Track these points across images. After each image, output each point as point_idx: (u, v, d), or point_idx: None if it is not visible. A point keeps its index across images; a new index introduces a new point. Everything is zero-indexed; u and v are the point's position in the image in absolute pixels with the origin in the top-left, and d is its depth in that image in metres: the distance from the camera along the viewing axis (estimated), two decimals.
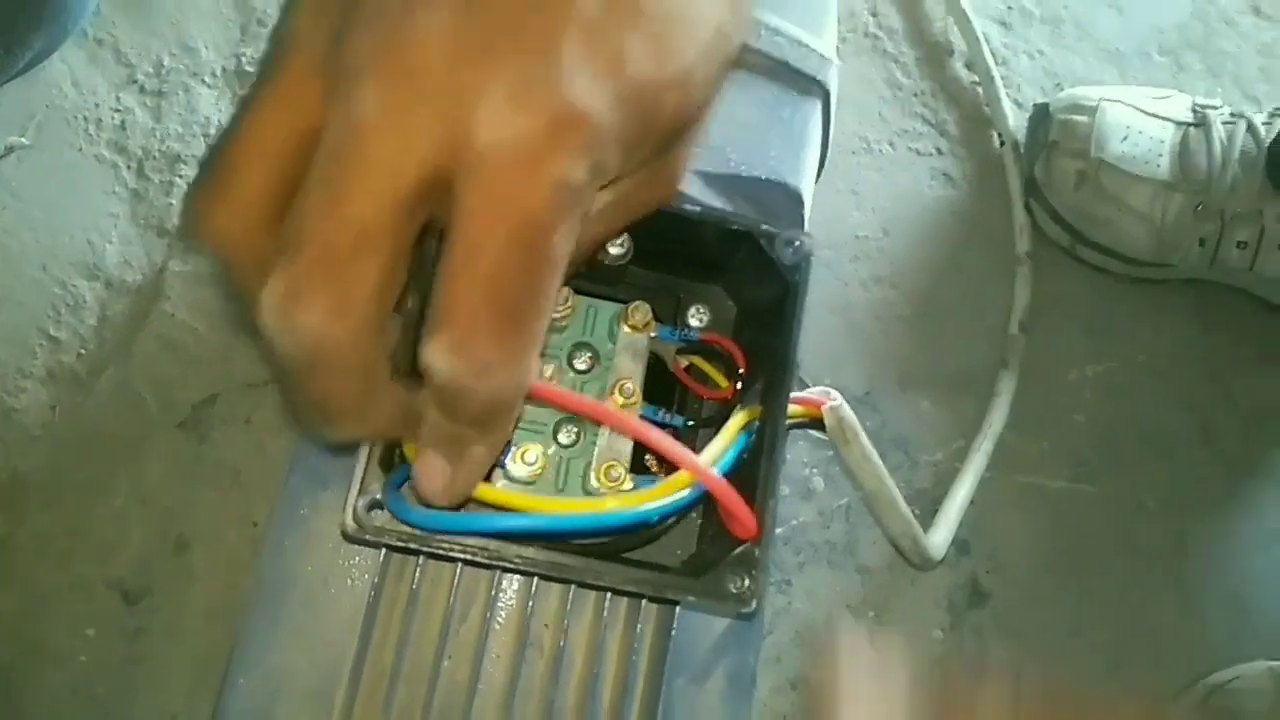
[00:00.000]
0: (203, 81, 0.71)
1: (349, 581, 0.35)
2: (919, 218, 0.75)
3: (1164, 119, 0.71)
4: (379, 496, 0.31)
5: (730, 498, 0.31)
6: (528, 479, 0.34)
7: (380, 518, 0.31)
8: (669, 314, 0.37)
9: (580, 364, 0.36)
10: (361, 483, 0.31)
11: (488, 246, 0.24)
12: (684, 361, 0.37)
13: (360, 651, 0.34)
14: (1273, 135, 0.68)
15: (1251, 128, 0.69)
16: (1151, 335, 0.74)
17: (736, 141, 0.39)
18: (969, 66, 0.79)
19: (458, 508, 0.31)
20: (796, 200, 0.41)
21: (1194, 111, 0.71)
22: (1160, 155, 0.70)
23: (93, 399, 0.65)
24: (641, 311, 0.36)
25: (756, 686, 0.37)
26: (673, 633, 0.35)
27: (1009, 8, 0.81)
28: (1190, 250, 0.70)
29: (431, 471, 0.29)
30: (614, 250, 0.34)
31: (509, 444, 0.34)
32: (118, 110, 0.70)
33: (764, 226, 0.34)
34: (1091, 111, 0.71)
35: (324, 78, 0.25)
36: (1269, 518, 0.71)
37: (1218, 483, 0.71)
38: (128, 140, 0.70)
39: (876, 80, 0.78)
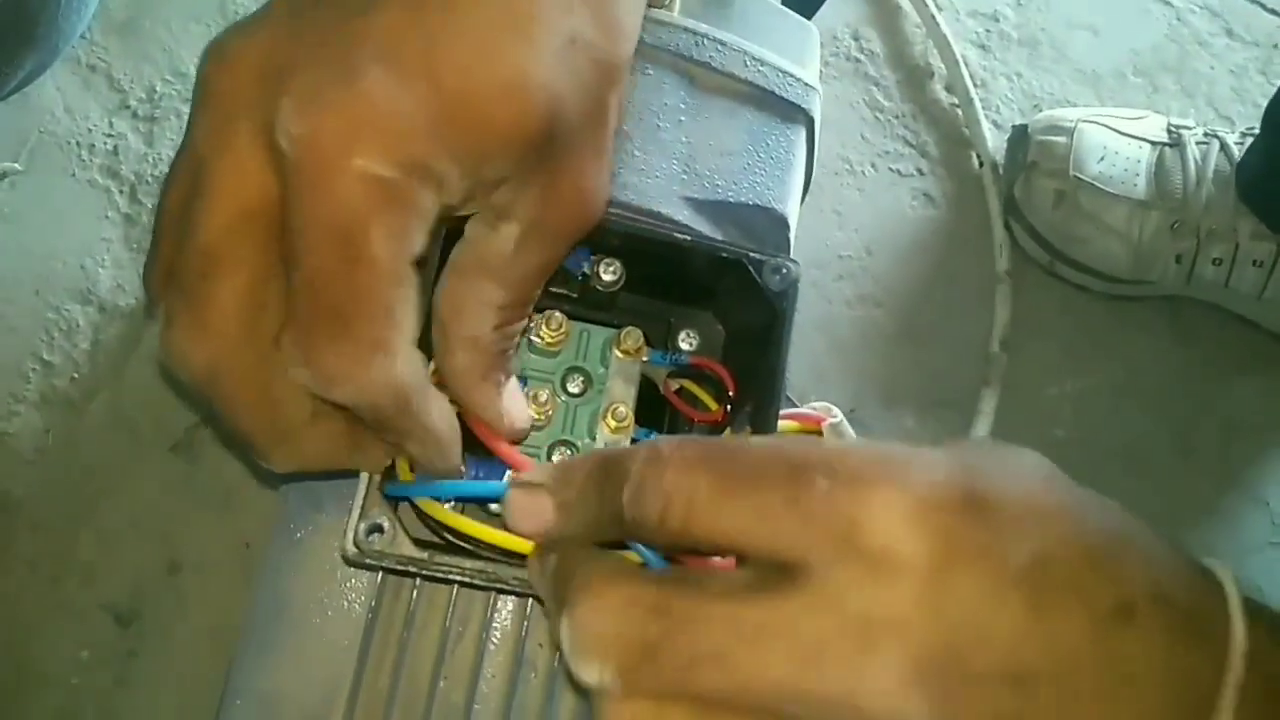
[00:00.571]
0: None
1: (345, 604, 0.36)
2: (901, 237, 0.76)
3: (1140, 139, 0.72)
4: (380, 520, 0.32)
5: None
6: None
7: (380, 541, 0.31)
8: (660, 338, 0.38)
9: (573, 388, 0.36)
10: (362, 508, 0.32)
11: (304, 248, 0.25)
12: (675, 385, 0.38)
13: (357, 674, 0.35)
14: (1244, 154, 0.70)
15: (1225, 147, 0.71)
16: (1130, 351, 0.75)
17: (723, 168, 0.40)
18: (949, 89, 0.80)
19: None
20: (782, 224, 0.42)
21: (1169, 132, 0.73)
22: (1137, 175, 0.71)
23: (86, 423, 0.65)
24: (633, 337, 0.37)
25: None
26: None
27: (988, 31, 0.83)
28: (1167, 267, 0.72)
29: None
30: (606, 277, 0.35)
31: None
32: (110, 135, 0.71)
33: (752, 254, 0.35)
34: (1069, 132, 0.72)
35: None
36: (1247, 530, 0.72)
37: (1197, 495, 0.72)
38: (120, 165, 0.70)
39: (858, 103, 0.79)
